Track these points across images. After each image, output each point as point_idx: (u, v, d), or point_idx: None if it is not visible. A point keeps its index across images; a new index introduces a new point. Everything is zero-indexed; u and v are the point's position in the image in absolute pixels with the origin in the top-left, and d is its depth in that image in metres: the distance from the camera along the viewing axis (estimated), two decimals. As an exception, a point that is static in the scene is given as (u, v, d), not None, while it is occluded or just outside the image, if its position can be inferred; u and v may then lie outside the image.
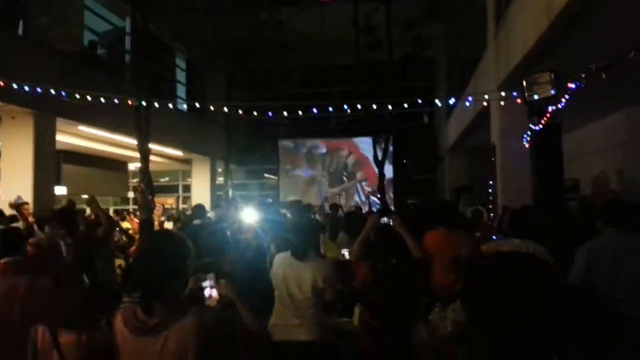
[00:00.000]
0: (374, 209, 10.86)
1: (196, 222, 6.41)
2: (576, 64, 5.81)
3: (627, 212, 3.68)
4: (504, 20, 8.06)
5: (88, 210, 9.62)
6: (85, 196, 6.27)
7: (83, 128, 10.10)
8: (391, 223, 3.81)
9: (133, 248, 7.84)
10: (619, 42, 4.87)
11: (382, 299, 3.16)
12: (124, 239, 7.88)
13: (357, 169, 18.45)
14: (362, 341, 3.30)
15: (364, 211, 10.27)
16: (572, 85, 5.58)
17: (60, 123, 9.14)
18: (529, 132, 7.42)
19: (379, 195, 13.53)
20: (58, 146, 9.46)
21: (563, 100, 5.87)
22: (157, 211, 9.30)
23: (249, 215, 5.82)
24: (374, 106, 9.14)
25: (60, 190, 9.86)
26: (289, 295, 3.37)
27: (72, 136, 10.51)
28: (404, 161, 17.64)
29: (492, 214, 8.57)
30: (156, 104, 8.76)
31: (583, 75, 5.20)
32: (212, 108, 11.56)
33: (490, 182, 9.31)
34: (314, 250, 3.64)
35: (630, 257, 3.40)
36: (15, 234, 3.45)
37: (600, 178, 10.45)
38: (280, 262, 3.50)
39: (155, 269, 1.81)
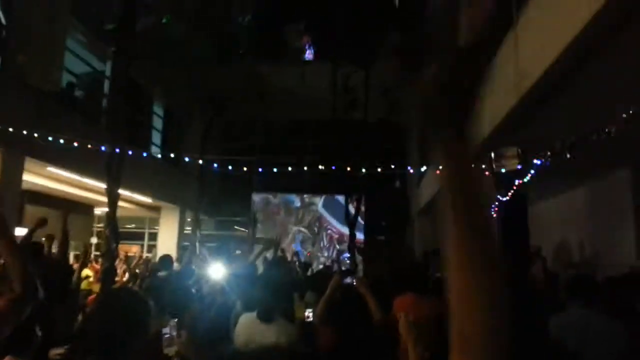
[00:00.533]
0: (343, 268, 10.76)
1: (161, 274, 6.23)
2: (543, 141, 6.09)
3: (591, 287, 3.76)
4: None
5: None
6: (43, 239, 6.08)
7: (52, 169, 9.90)
8: (354, 283, 3.79)
9: (91, 297, 7.54)
10: (584, 121, 5.16)
11: None
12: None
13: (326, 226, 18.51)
14: None
15: (334, 270, 10.19)
16: (537, 162, 5.82)
17: (29, 163, 8.95)
18: (496, 203, 7.64)
19: (348, 255, 13.49)
20: (23, 186, 9.22)
21: (529, 174, 6.10)
22: (121, 260, 9.02)
23: (216, 270, 5.69)
24: (349, 168, 9.29)
25: (21, 231, 9.50)
26: None
27: (39, 176, 10.27)
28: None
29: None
30: (129, 152, 8.69)
31: (549, 153, 5.45)
32: (186, 159, 11.50)
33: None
34: (282, 310, 3.53)
35: (590, 335, 3.42)
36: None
37: (563, 247, 10.70)
38: (244, 324, 3.38)
39: (113, 327, 1.76)
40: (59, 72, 10.37)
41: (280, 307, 3.47)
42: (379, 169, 9.30)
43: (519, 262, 7.54)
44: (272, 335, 3.25)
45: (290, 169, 9.71)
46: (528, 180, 6.52)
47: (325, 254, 17.99)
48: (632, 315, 3.72)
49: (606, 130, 4.47)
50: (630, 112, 4.13)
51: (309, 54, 17.33)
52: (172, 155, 12.86)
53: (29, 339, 2.84)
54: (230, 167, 9.53)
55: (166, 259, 6.73)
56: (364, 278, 3.89)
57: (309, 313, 4.92)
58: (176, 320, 3.80)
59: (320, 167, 9.27)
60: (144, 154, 10.18)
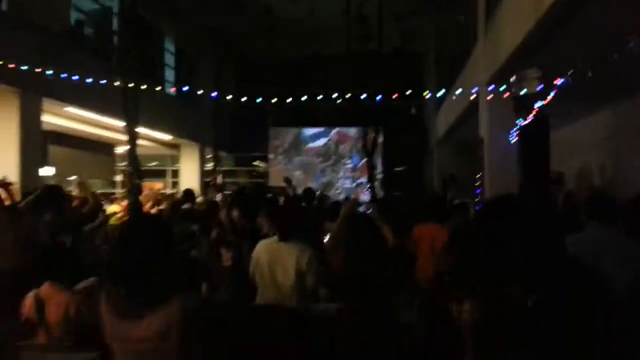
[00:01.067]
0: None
1: (185, 206, 6.41)
2: (564, 61, 5.88)
3: (609, 206, 3.74)
4: (493, 16, 8.11)
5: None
6: (71, 178, 6.26)
7: (70, 109, 9.99)
8: (369, 211, 3.84)
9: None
10: (605, 41, 4.94)
11: (351, 285, 3.19)
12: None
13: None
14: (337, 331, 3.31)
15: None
16: (558, 82, 5.65)
17: (47, 104, 9.02)
18: (516, 127, 7.50)
19: (368, 185, 13.58)
20: (44, 127, 9.35)
21: (550, 96, 5.94)
22: (146, 194, 9.24)
23: None
24: (363, 96, 9.14)
25: (47, 171, 9.76)
26: (273, 280, 3.39)
27: (58, 117, 10.38)
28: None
29: (477, 207, 8.66)
30: (142, 87, 8.67)
31: (569, 73, 5.27)
32: (200, 93, 11.43)
33: (477, 176, 9.39)
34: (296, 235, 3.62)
35: (607, 253, 3.44)
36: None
37: (583, 173, 10.61)
38: (263, 248, 3.51)
39: (136, 255, 1.79)
40: (66, 10, 10.21)
41: (293, 229, 3.56)
42: (395, 98, 9.12)
43: (540, 186, 7.53)
44: (291, 253, 3.38)
45: (304, 99, 9.59)
46: (549, 103, 6.35)
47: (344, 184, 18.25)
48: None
49: (629, 44, 4.27)
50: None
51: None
52: (185, 89, 12.77)
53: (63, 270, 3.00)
54: (243, 99, 9.45)
55: (189, 192, 6.88)
56: (376, 205, 3.94)
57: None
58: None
59: (334, 97, 9.13)
60: (157, 88, 10.13)
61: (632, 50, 4.32)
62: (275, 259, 3.41)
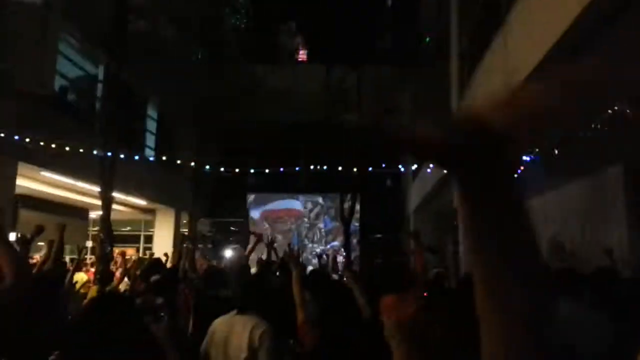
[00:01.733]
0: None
1: (154, 278, 6.21)
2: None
3: (577, 282, 3.79)
4: (465, 95, 8.53)
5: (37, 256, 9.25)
6: (40, 244, 6.04)
7: (46, 173, 9.90)
8: (345, 278, 3.78)
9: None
10: (573, 119, 5.19)
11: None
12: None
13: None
14: None
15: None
16: (527, 158, 5.87)
17: (22, 167, 8.94)
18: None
19: (344, 254, 13.54)
20: (17, 190, 9.21)
21: (518, 170, 6.14)
22: (117, 262, 9.01)
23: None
24: (340, 168, 9.33)
25: (12, 236, 9.50)
26: (225, 354, 3.24)
27: (32, 181, 10.25)
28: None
29: (456, 277, 8.66)
30: (122, 155, 8.70)
31: (537, 150, 5.50)
32: (179, 162, 11.50)
33: (453, 247, 9.48)
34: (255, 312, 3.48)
35: (575, 329, 3.42)
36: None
37: (552, 246, 10.76)
38: (219, 321, 3.37)
39: (102, 342, 1.73)
40: (51, 76, 10.38)
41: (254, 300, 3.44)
42: (372, 168, 9.33)
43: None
44: (246, 325, 3.25)
45: (290, 168, 9.74)
46: (518, 176, 6.55)
47: (317, 248, 18.11)
48: (618, 309, 3.75)
49: (592, 126, 4.51)
50: (615, 108, 4.18)
51: (302, 55, 17.37)
52: (164, 158, 12.84)
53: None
54: (222, 169, 9.54)
55: (156, 262, 6.64)
56: (350, 271, 3.87)
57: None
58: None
59: (312, 167, 9.29)
60: (136, 157, 10.17)
61: (597, 129, 4.55)
62: (230, 332, 3.29)
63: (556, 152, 5.21)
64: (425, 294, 4.96)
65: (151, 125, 16.33)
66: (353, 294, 3.43)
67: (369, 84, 13.27)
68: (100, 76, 12.56)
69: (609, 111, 4.34)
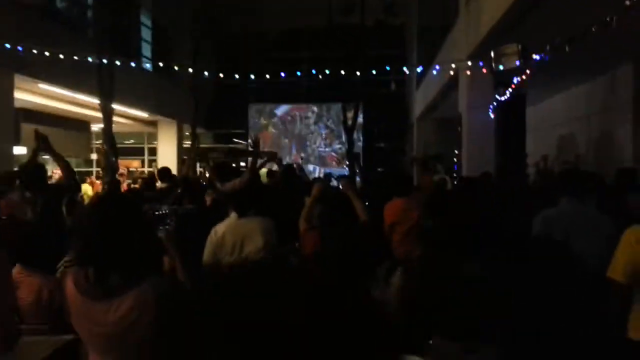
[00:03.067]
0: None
1: (162, 185, 6.31)
2: (543, 37, 5.89)
3: (581, 181, 3.79)
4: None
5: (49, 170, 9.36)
6: (45, 157, 6.05)
7: (43, 86, 9.71)
8: (340, 187, 3.83)
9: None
10: (584, 16, 4.95)
11: (329, 262, 3.20)
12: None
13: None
14: None
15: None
16: (536, 57, 5.67)
17: (19, 80, 8.76)
18: (494, 103, 7.55)
19: (347, 163, 13.61)
20: (17, 104, 9.09)
21: (528, 71, 5.97)
22: (123, 174, 9.12)
23: None
24: (343, 72, 9.07)
25: (19, 150, 9.54)
26: (241, 255, 3.35)
27: (31, 94, 10.10)
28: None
29: (455, 183, 8.76)
30: (118, 62, 8.45)
31: (548, 48, 5.28)
32: (177, 69, 11.18)
33: (456, 152, 9.47)
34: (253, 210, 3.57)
35: (577, 228, 3.47)
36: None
37: (561, 148, 10.77)
38: (224, 229, 3.43)
39: (108, 235, 1.72)
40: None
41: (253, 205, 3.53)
42: (374, 72, 9.08)
43: (515, 163, 7.65)
44: (255, 226, 3.37)
45: (284, 75, 9.47)
46: (527, 79, 6.39)
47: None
48: (620, 213, 3.78)
49: (607, 19, 4.28)
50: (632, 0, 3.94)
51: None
52: (161, 64, 12.50)
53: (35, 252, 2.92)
54: (221, 75, 9.30)
55: (164, 171, 6.73)
56: (348, 181, 3.91)
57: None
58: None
59: (314, 72, 9.04)
60: (132, 64, 9.89)
61: (611, 25, 4.33)
62: (242, 234, 3.38)
63: (567, 49, 5.00)
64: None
65: (146, 34, 15.74)
66: (350, 201, 3.48)
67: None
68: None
69: (627, 2, 4.09)
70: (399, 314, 3.77)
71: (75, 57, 8.00)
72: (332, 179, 9.14)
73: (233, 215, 3.49)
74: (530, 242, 2.38)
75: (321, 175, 15.23)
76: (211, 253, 3.43)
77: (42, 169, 4.40)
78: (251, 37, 16.95)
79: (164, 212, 3.56)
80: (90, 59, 8.15)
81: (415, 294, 1.72)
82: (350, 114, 13.39)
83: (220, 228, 3.46)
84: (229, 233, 3.40)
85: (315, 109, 18.33)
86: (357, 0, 12.78)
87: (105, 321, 1.68)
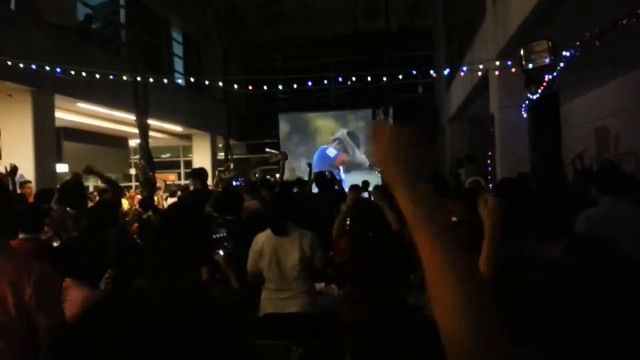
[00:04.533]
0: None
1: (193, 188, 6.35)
2: (572, 32, 5.78)
3: (620, 178, 3.70)
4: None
5: (91, 187, 9.73)
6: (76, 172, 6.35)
7: (82, 105, 10.11)
8: (372, 197, 3.85)
9: (135, 226, 7.92)
10: (614, 9, 4.84)
11: (358, 270, 3.21)
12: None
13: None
14: (341, 312, 3.34)
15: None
16: (566, 53, 5.56)
17: (59, 100, 9.15)
18: (526, 102, 7.41)
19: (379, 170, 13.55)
20: (58, 123, 9.49)
21: (558, 67, 5.85)
22: (160, 187, 9.35)
23: None
24: (369, 78, 9.09)
25: (61, 167, 9.93)
26: (280, 271, 3.42)
27: (71, 113, 10.52)
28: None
29: (490, 185, 8.62)
30: (151, 80, 8.72)
31: (577, 43, 5.18)
32: (208, 82, 11.44)
33: (489, 153, 9.34)
34: (292, 223, 3.59)
35: (623, 226, 3.38)
36: (36, 212, 3.57)
37: (598, 144, 10.47)
38: (264, 241, 3.50)
39: (182, 247, 1.76)
40: (73, 5, 10.27)
41: (289, 219, 3.54)
42: (400, 77, 9.06)
43: (550, 162, 7.46)
44: (293, 243, 3.42)
45: (311, 84, 9.55)
46: (558, 75, 6.26)
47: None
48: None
49: (637, 12, 4.17)
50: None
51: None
52: (192, 79, 12.77)
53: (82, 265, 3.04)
54: (251, 88, 9.48)
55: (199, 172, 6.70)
56: (377, 189, 3.91)
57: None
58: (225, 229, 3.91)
59: (340, 79, 9.09)
60: (165, 80, 10.17)
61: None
62: (279, 250, 3.43)
63: (597, 43, 4.89)
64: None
65: (177, 49, 16.17)
66: (383, 210, 3.48)
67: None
68: (122, 1, 12.36)
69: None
70: (433, 321, 3.76)
71: (111, 77, 8.29)
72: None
73: (269, 230, 3.55)
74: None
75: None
76: (253, 262, 3.51)
77: (80, 185, 4.60)
78: (277, 45, 17.15)
79: (221, 235, 3.66)
80: (125, 77, 8.44)
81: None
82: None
83: (260, 238, 3.53)
84: (267, 245, 3.47)
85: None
86: (381, 5, 12.81)
87: None
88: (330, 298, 3.95)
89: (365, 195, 5.05)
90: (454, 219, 3.74)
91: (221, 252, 2.70)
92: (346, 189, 8.75)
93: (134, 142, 14.40)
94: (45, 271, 1.86)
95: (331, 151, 17.83)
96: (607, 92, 10.11)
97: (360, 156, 17.01)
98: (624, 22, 4.31)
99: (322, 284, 4.04)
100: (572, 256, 1.38)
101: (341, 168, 16.25)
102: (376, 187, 5.36)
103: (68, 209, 4.18)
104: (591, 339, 1.29)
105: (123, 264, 3.49)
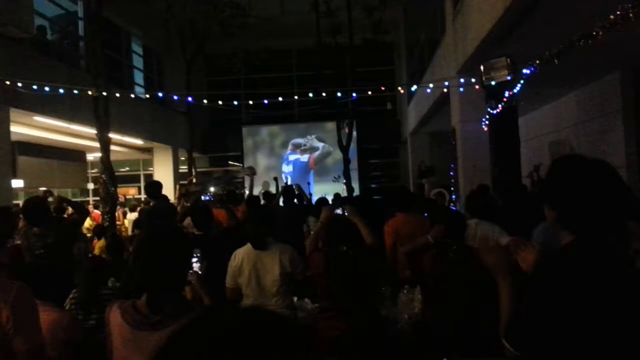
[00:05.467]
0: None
1: (153, 203, 6.21)
2: (531, 50, 6.03)
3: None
4: (461, 4, 8.24)
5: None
6: (42, 189, 6.15)
7: (38, 118, 9.77)
8: (345, 213, 3.89)
9: (95, 242, 7.68)
10: (568, 29, 5.09)
11: (333, 285, 3.23)
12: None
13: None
14: (317, 326, 3.34)
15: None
16: (527, 71, 5.79)
17: (14, 113, 8.80)
18: (487, 116, 7.67)
19: (344, 180, 13.64)
20: (13, 137, 9.12)
21: (518, 85, 6.09)
22: (123, 203, 9.11)
23: None
24: (339, 93, 9.18)
25: (17, 183, 9.54)
26: (259, 287, 3.39)
27: (27, 127, 10.14)
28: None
29: (453, 196, 8.84)
30: (117, 94, 8.53)
31: (538, 62, 5.41)
32: (174, 97, 11.29)
33: (452, 165, 9.58)
34: (271, 237, 3.55)
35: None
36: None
37: (555, 155, 10.90)
38: (243, 256, 3.46)
39: (163, 264, 1.75)
40: (30, 17, 9.95)
41: (269, 233, 3.52)
42: (370, 92, 9.20)
43: (510, 173, 7.73)
44: (273, 257, 3.39)
45: (283, 98, 9.58)
46: (518, 91, 6.51)
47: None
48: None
49: (594, 34, 4.41)
50: (618, 13, 4.07)
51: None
52: (159, 94, 12.57)
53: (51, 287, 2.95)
54: (220, 102, 9.40)
55: (154, 185, 6.55)
56: (353, 207, 3.95)
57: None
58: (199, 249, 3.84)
59: (310, 95, 9.15)
60: (132, 95, 9.97)
61: (597, 38, 4.46)
62: (258, 267, 3.41)
63: (556, 62, 5.13)
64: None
65: (137, 62, 15.89)
66: (356, 225, 3.51)
67: (358, 1, 12.73)
68: (80, 13, 12.07)
69: (611, 16, 4.23)
70: (407, 332, 3.80)
71: (75, 91, 8.05)
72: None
73: (249, 244, 3.51)
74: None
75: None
76: (232, 278, 3.47)
77: (44, 203, 4.43)
78: (240, 58, 17.10)
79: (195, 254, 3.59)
80: (90, 92, 8.19)
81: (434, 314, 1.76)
82: (344, 132, 13.49)
83: (239, 254, 3.49)
84: (246, 261, 3.44)
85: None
86: (344, 21, 12.99)
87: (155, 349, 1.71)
88: (305, 312, 3.94)
89: (339, 211, 5.06)
90: (432, 240, 3.81)
91: (196, 269, 2.66)
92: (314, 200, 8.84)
93: (92, 156, 13.99)
94: (22, 292, 1.77)
95: (304, 158, 17.97)
96: (560, 106, 10.58)
97: (322, 145, 17.56)
98: (581, 42, 4.54)
99: (295, 298, 4.02)
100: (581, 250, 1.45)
101: (312, 180, 16.34)
102: (349, 202, 5.41)
103: (35, 229, 4.03)
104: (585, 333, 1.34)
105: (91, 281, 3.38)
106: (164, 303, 1.73)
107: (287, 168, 17.93)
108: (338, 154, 14.69)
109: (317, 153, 17.81)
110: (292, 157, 18.12)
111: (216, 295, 3.07)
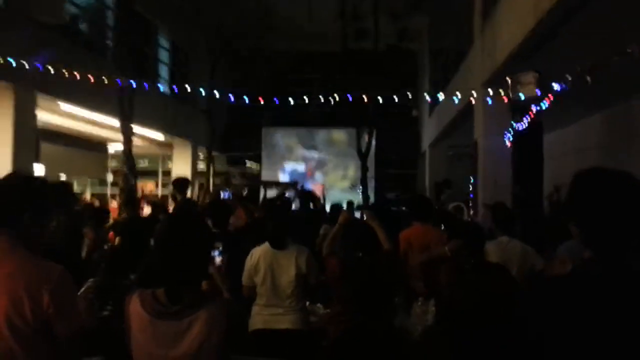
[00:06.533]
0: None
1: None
2: (561, 65, 5.92)
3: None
4: (490, 16, 8.14)
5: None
6: (62, 176, 6.18)
7: (63, 105, 9.88)
8: (364, 217, 3.84)
9: (112, 234, 7.69)
10: (604, 44, 4.98)
11: (348, 291, 3.19)
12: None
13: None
14: (328, 331, 3.31)
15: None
16: (557, 87, 5.69)
17: (41, 99, 8.93)
18: (511, 131, 7.55)
19: (361, 188, 13.57)
20: (37, 124, 9.25)
21: (547, 100, 5.99)
22: (143, 197, 9.17)
23: None
24: (356, 97, 9.13)
25: (39, 168, 9.66)
26: (274, 285, 3.38)
27: (51, 113, 10.27)
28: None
29: (472, 211, 8.70)
30: (146, 85, 8.59)
31: (569, 78, 5.30)
32: (198, 92, 11.33)
33: (472, 180, 9.44)
34: (290, 238, 3.58)
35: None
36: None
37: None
38: (261, 254, 3.47)
39: (185, 254, 1.76)
40: (62, 4, 10.11)
41: (287, 233, 3.53)
42: (390, 98, 9.12)
43: (532, 190, 7.60)
44: (290, 258, 3.39)
45: (293, 101, 9.54)
46: (544, 108, 6.40)
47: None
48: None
49: (629, 51, 4.31)
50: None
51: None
52: (185, 87, 12.65)
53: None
54: (244, 97, 9.38)
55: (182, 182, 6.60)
56: (369, 209, 3.93)
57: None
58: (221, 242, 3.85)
59: (328, 97, 9.10)
60: (160, 88, 10.01)
61: (631, 55, 4.36)
62: (275, 266, 3.40)
63: (588, 79, 5.02)
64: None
65: (163, 56, 16.03)
66: (373, 230, 3.48)
67: (385, 8, 12.68)
68: (111, 3, 12.23)
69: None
70: (420, 344, 3.72)
71: (105, 80, 8.11)
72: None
73: (267, 243, 3.52)
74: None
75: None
76: (248, 276, 3.46)
77: (69, 188, 4.44)
78: (264, 59, 17.15)
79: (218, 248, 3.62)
80: (119, 81, 8.24)
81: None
82: (363, 140, 13.43)
83: (256, 252, 3.49)
84: (263, 260, 3.43)
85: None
86: (370, 25, 12.95)
87: (175, 338, 1.71)
88: (316, 317, 3.88)
89: (357, 214, 5.04)
90: (448, 253, 3.74)
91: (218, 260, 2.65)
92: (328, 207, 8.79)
93: (112, 149, 14.13)
94: (63, 276, 1.75)
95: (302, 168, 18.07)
96: (587, 125, 10.39)
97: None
98: (617, 59, 4.44)
99: (307, 302, 3.98)
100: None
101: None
102: (369, 206, 5.35)
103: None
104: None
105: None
106: (183, 293, 1.74)
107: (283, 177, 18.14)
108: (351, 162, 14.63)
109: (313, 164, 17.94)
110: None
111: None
